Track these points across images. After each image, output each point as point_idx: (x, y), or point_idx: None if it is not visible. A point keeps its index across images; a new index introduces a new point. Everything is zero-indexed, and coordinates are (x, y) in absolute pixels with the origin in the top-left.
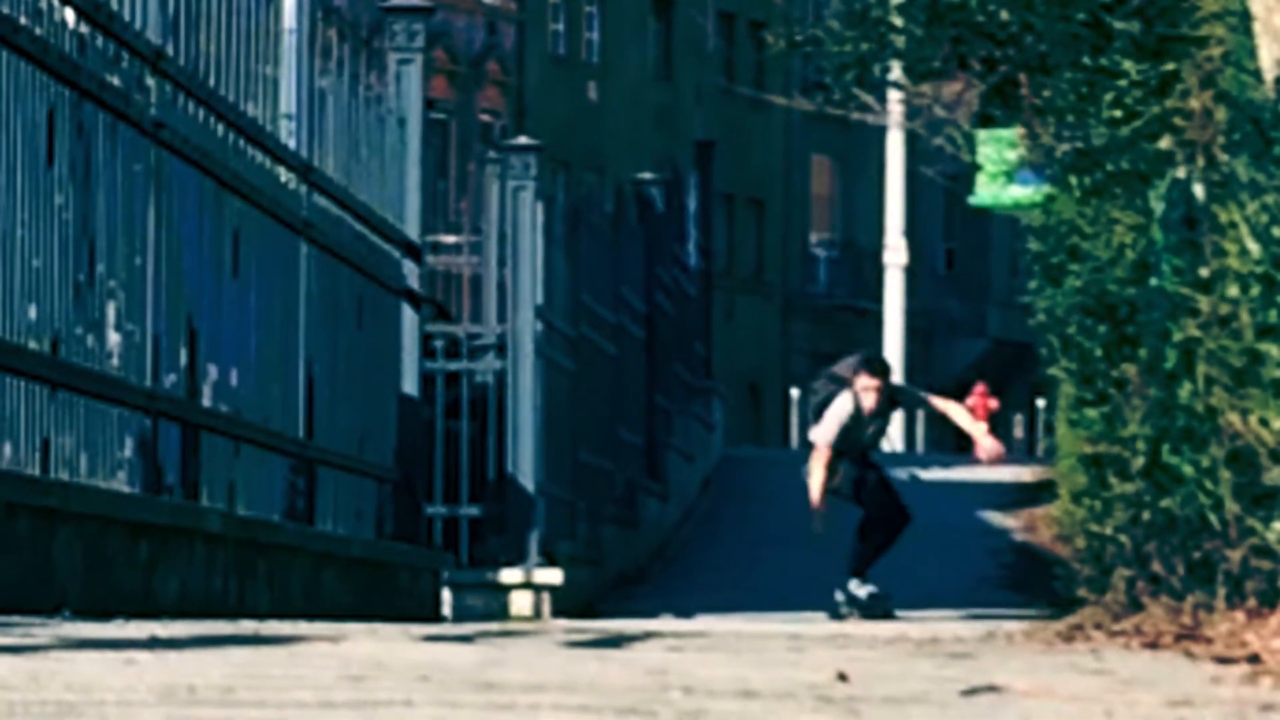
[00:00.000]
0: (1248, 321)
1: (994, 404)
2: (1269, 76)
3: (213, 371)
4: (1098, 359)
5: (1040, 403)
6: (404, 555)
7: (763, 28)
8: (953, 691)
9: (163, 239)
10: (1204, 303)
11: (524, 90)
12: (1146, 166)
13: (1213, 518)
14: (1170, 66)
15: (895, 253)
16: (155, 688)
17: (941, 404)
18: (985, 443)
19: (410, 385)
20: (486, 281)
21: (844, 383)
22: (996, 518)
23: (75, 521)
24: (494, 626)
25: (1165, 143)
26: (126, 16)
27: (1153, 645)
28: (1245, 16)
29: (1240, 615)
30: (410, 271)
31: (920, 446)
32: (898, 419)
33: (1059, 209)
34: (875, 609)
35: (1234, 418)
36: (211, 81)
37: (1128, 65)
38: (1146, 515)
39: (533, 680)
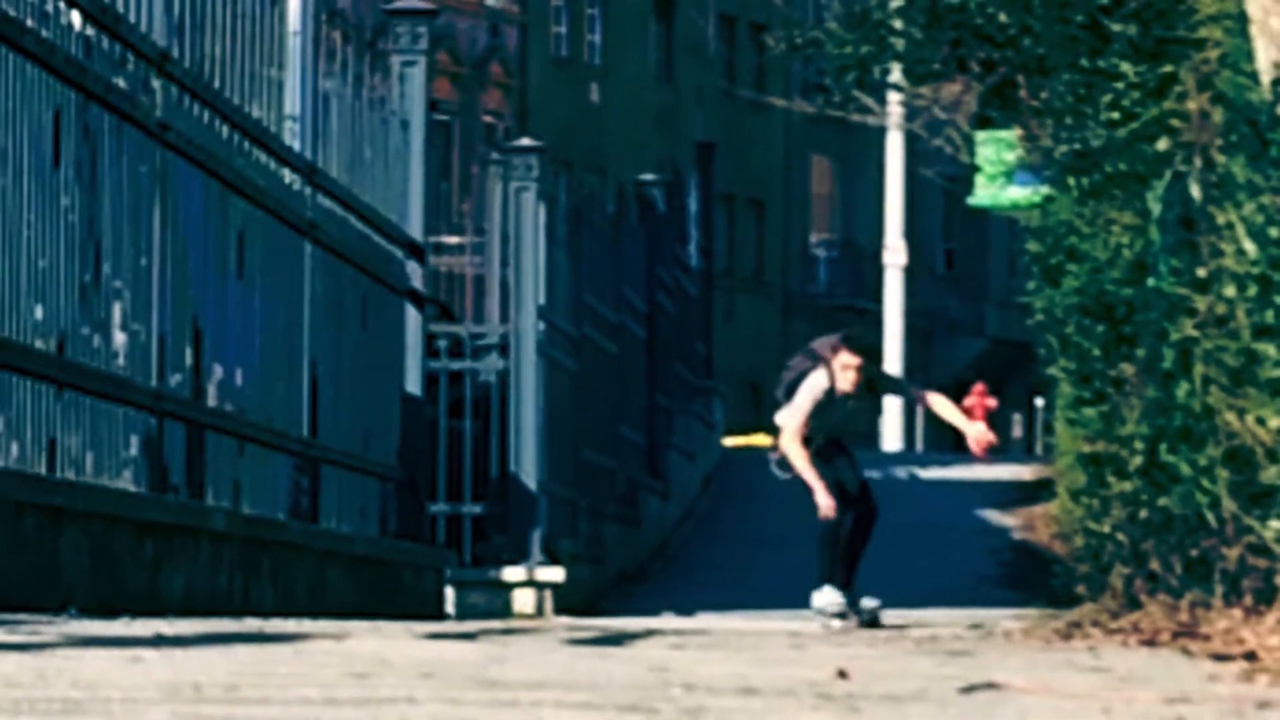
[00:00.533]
0: (1244, 321)
1: (992, 403)
2: (1265, 78)
3: (218, 371)
4: (1096, 358)
5: (1039, 402)
6: (407, 553)
7: (763, 30)
8: (951, 689)
9: (168, 240)
10: (1201, 303)
11: (526, 92)
12: (1144, 168)
13: (1210, 516)
14: (1168, 69)
15: (894, 253)
16: (161, 685)
17: (925, 396)
18: (973, 431)
19: (414, 384)
20: (489, 281)
21: (821, 360)
22: (995, 516)
23: (81, 520)
24: (496, 624)
25: (1163, 144)
26: (132, 19)
27: (1150, 643)
28: (1242, 19)
29: (1237, 613)
30: (414, 272)
31: (920, 445)
32: (895, 416)
33: (1057, 210)
34: (861, 618)
35: (1231, 417)
36: (216, 83)
37: (1125, 67)
38: (1144, 513)
39: (535, 677)
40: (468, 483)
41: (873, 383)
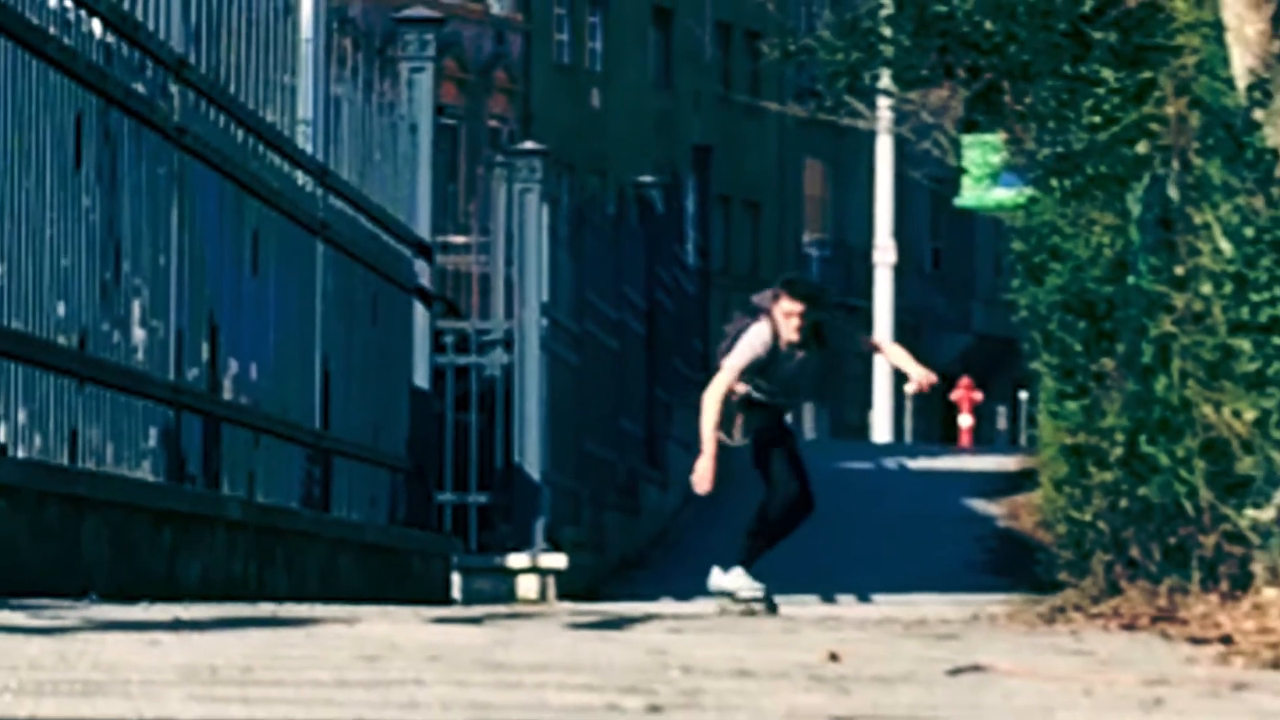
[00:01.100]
0: (1221, 318)
1: (978, 396)
2: (1241, 84)
3: (233, 365)
4: (1077, 353)
5: (1023, 395)
6: (415, 541)
7: (758, 38)
8: (939, 671)
9: (185, 239)
10: (1179, 300)
11: (530, 97)
12: (1124, 170)
13: (1187, 505)
14: (1147, 74)
15: (884, 252)
16: (178, 667)
17: (875, 342)
18: (916, 373)
19: (421, 379)
20: (494, 280)
21: (762, 313)
22: (981, 505)
23: (102, 509)
24: (501, 609)
25: (1142, 147)
26: (151, 27)
27: (1130, 627)
28: (1218, 26)
29: (1214, 598)
30: (421, 270)
31: (908, 437)
32: (885, 410)
33: (1040, 210)
34: (754, 606)
35: (1208, 410)
36: (232, 89)
37: (1106, 73)
38: (1124, 503)
39: (539, 660)
40: (473, 473)
41: (821, 331)
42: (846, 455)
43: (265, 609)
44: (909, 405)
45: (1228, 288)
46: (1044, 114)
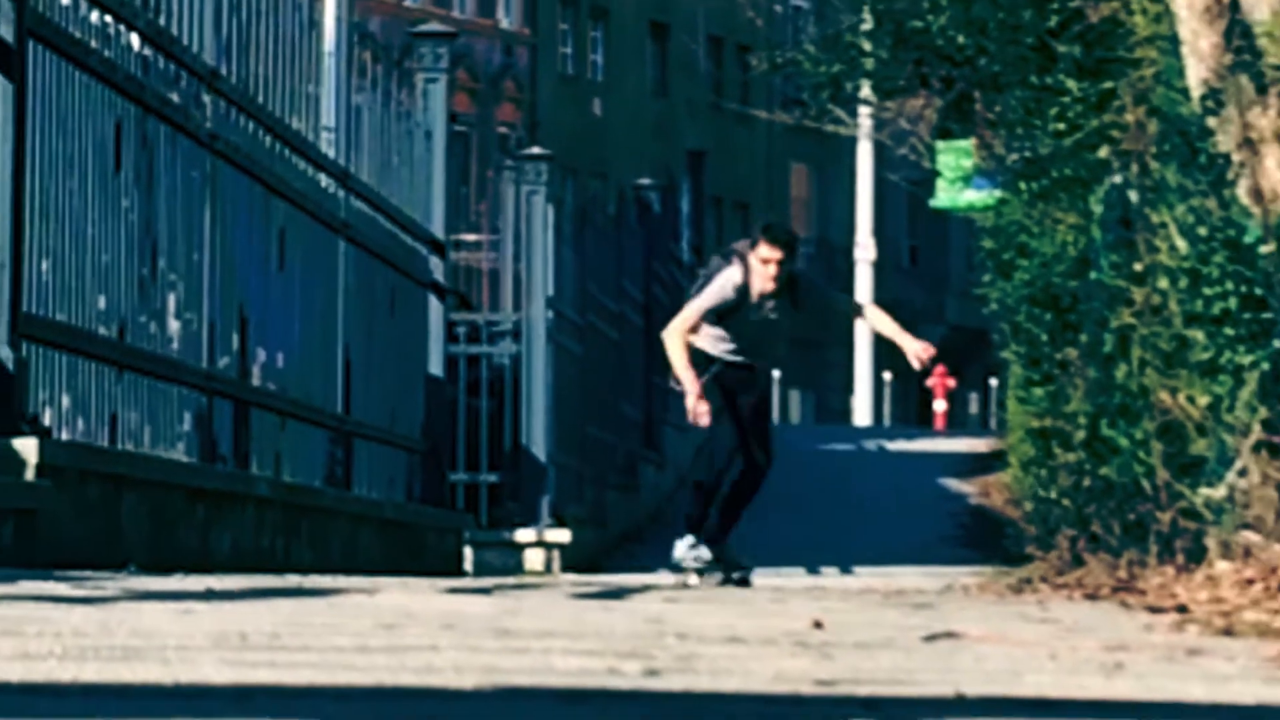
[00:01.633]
0: (1176, 310)
1: (952, 383)
2: (1195, 94)
3: (261, 354)
4: (1043, 343)
5: (993, 382)
6: (430, 517)
7: (748, 50)
8: (915, 638)
9: (217, 237)
10: (1138, 294)
11: (536, 105)
12: (1087, 173)
13: (1145, 484)
14: (1108, 85)
15: (864, 249)
16: (210, 634)
17: (862, 305)
18: (912, 346)
19: (436, 366)
20: (503, 275)
21: (737, 256)
22: (954, 484)
23: (140, 487)
24: (510, 580)
25: (1103, 152)
26: (185, 40)
27: (1092, 596)
28: (1174, 41)
29: (1170, 570)
30: (436, 266)
31: (887, 421)
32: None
33: (1009, 211)
34: (719, 575)
35: (1164, 395)
36: (260, 98)
37: (1070, 84)
38: (1087, 482)
39: (544, 628)
40: (484, 454)
41: (796, 285)
42: (829, 438)
43: (291, 580)
44: (887, 391)
45: (1183, 282)
46: (1012, 121)
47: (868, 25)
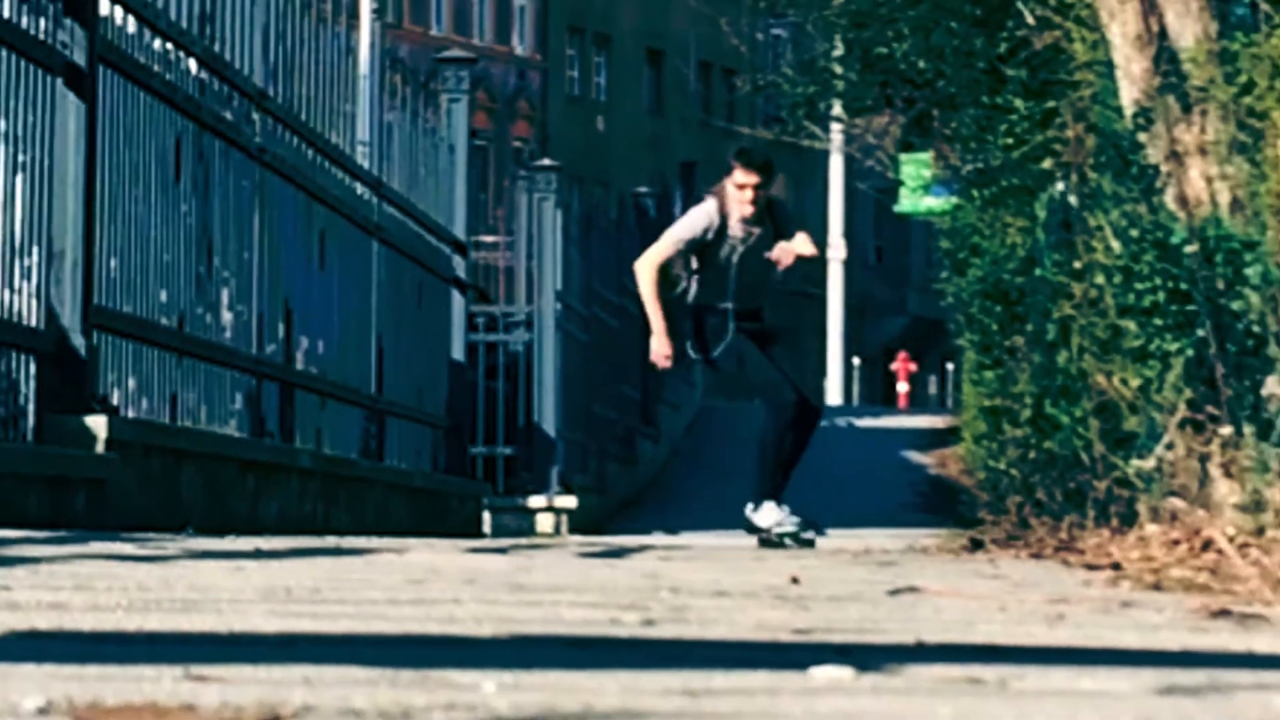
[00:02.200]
0: (1111, 303)
1: (913, 367)
2: (1128, 112)
3: (304, 342)
4: (994, 332)
5: (950, 366)
6: (453, 485)
7: (733, 74)
8: (881, 591)
9: (265, 239)
10: (1077, 289)
11: (546, 123)
12: (1032, 182)
13: (1084, 456)
14: (1051, 104)
15: (836, 249)
16: (259, 588)
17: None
18: (800, 250)
19: (458, 353)
20: (517, 271)
21: (712, 195)
22: (915, 455)
23: (197, 459)
24: (523, 541)
25: (1047, 164)
26: (237, 65)
27: (1037, 556)
28: (1109, 65)
29: (1106, 532)
30: (458, 264)
31: (856, 401)
32: (836, 377)
33: (964, 215)
34: (789, 539)
35: (1100, 378)
36: (303, 116)
37: (1018, 103)
38: (1032, 454)
39: (554, 583)
40: (500, 430)
41: (775, 212)
42: None
43: (330, 541)
44: (856, 374)
45: (1117, 278)
46: (966, 136)
47: (839, 52)
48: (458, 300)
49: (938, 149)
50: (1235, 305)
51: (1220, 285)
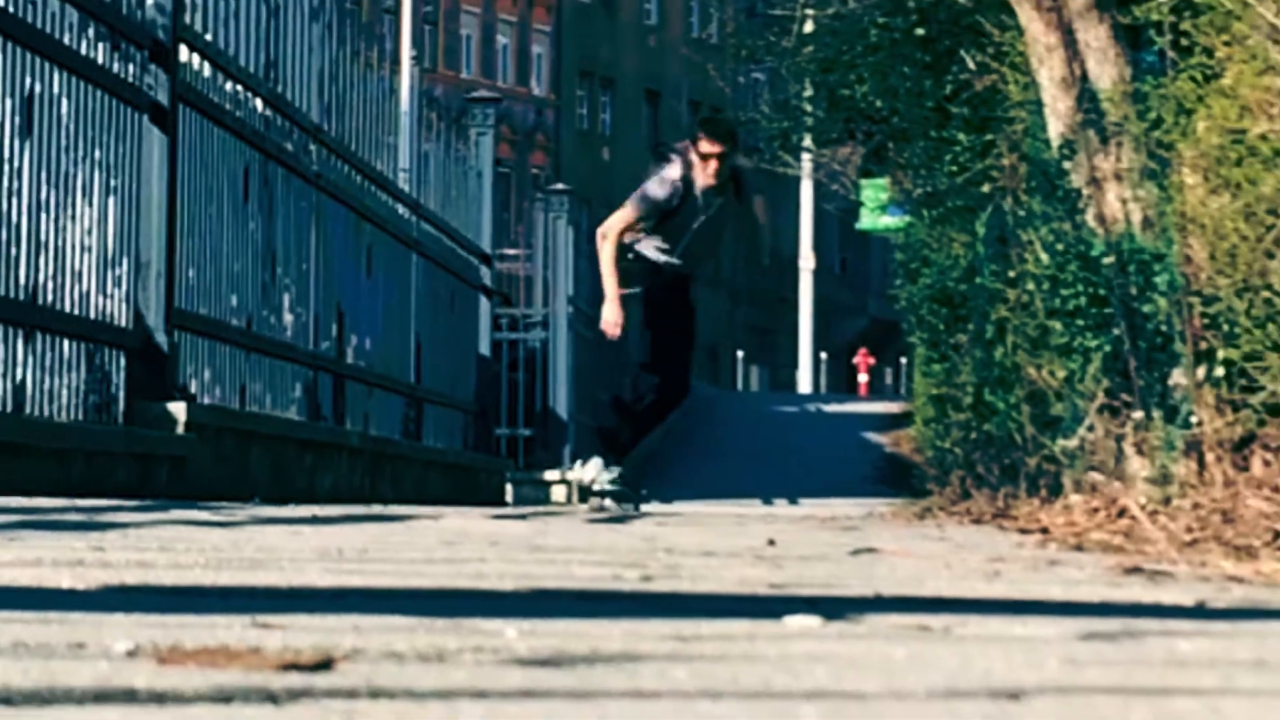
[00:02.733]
0: (1040, 306)
1: (872, 361)
2: (1054, 143)
3: (353, 339)
4: (941, 331)
5: (903, 360)
6: (481, 462)
7: (719, 111)
8: (844, 552)
9: (320, 252)
10: (1011, 294)
11: (560, 153)
12: (973, 203)
13: (1017, 437)
14: (989, 137)
15: (806, 260)
16: (315, 549)
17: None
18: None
19: (485, 348)
20: (535, 279)
21: (677, 154)
22: (873, 436)
23: (263, 440)
24: (540, 509)
25: (986, 188)
26: (297, 103)
27: (977, 521)
28: (1039, 104)
29: (1035, 502)
30: (484, 273)
31: (823, 389)
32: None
33: (915, 231)
34: (605, 502)
35: (1031, 370)
36: (353, 146)
37: (961, 136)
38: (973, 435)
39: (566, 544)
40: (521, 414)
41: (740, 180)
42: (779, 402)
43: (375, 509)
44: (823, 366)
45: (1045, 285)
46: (917, 164)
47: (809, 93)
48: (484, 304)
49: (893, 175)
50: (1146, 308)
51: (1133, 291)
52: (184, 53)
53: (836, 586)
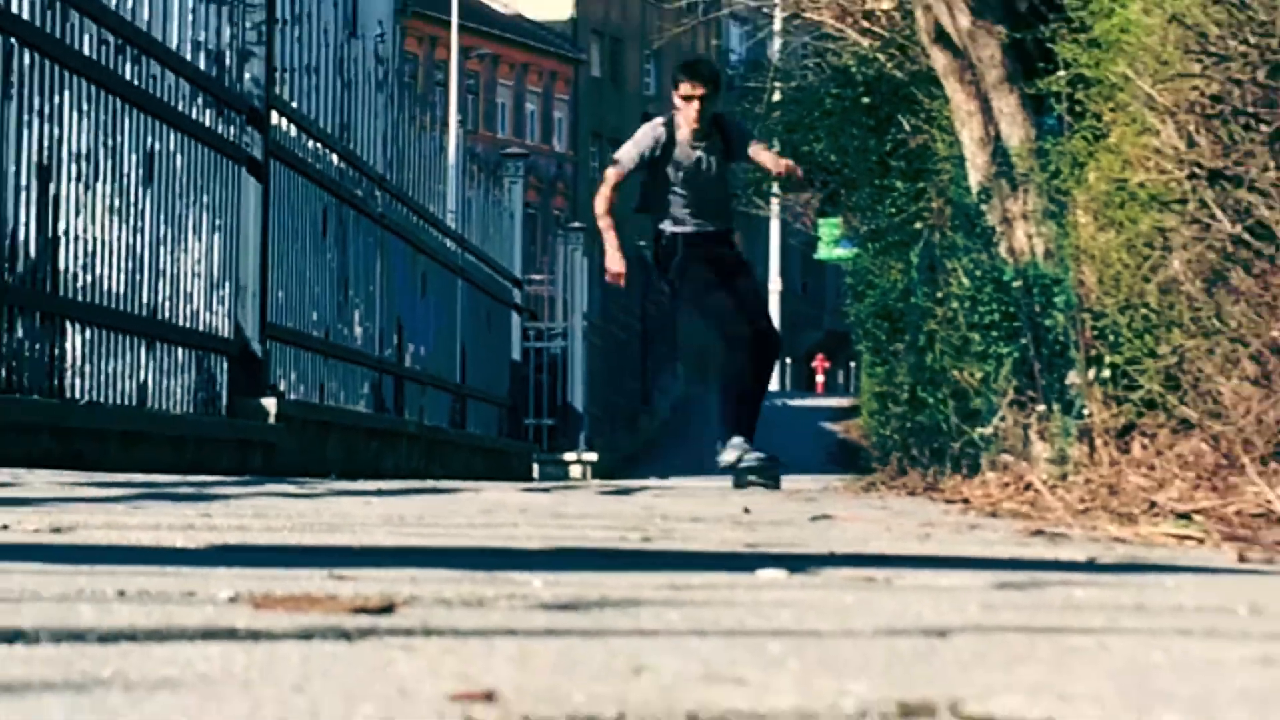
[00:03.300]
0: (962, 321)
1: (828, 364)
2: (974, 190)
3: (411, 348)
4: (883, 341)
5: (852, 364)
6: (513, 446)
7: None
8: (806, 518)
9: (384, 277)
10: (939, 311)
11: (576, 197)
12: (908, 238)
13: (944, 426)
14: (921, 185)
15: (774, 283)
16: (380, 516)
17: (765, 156)
18: (777, 166)
19: (516, 355)
20: (556, 299)
21: (660, 116)
22: (828, 425)
23: (338, 429)
24: (561, 484)
25: (918, 225)
26: (365, 158)
27: (912, 494)
28: (962, 159)
29: (958, 478)
30: (516, 294)
31: (789, 387)
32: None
33: (861, 260)
34: (756, 475)
35: (956, 372)
36: (411, 192)
37: (898, 184)
38: (908, 424)
39: (582, 512)
40: (545, 408)
41: (725, 128)
42: None
43: (428, 484)
44: (789, 369)
45: (966, 304)
46: (863, 207)
47: (776, 149)
48: (515, 319)
49: (844, 215)
50: (1047, 322)
51: (1037, 309)
52: (275, 117)
53: (799, 546)
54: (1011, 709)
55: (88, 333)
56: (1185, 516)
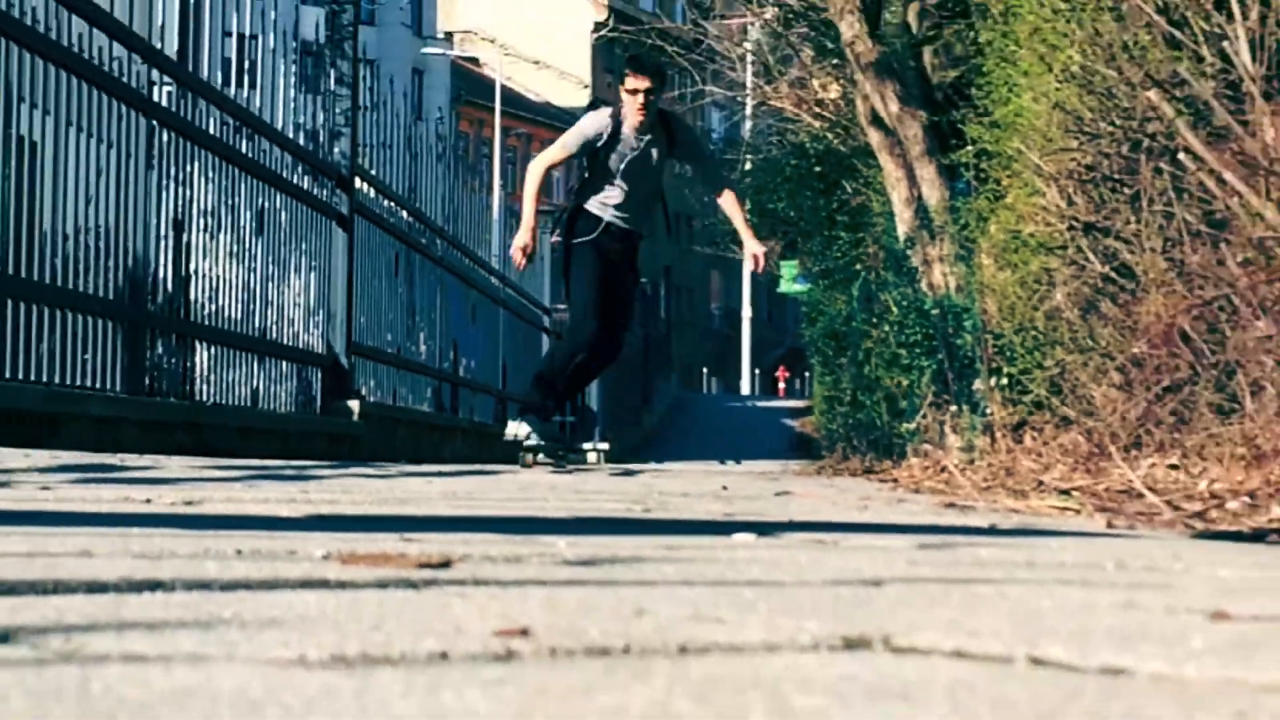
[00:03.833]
0: (894, 341)
1: (788, 374)
2: (901, 239)
3: (464, 362)
4: (831, 356)
5: (808, 374)
6: None
7: (692, 218)
8: (771, 494)
9: (442, 307)
10: (875, 333)
11: None
12: (851, 276)
13: (878, 422)
14: (861, 235)
15: (746, 311)
16: (441, 492)
17: (725, 192)
18: (752, 247)
19: None
20: None
21: (611, 106)
22: (789, 421)
23: (407, 424)
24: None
25: (858, 267)
26: (429, 213)
27: (853, 475)
28: (892, 214)
29: (889, 463)
30: (546, 320)
31: (758, 391)
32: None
33: (814, 294)
34: (528, 457)
35: (888, 380)
36: (463, 240)
37: (843, 235)
38: (850, 421)
39: (598, 489)
40: (568, 407)
41: (670, 126)
42: (730, 401)
43: (477, 468)
44: (757, 378)
45: (895, 327)
46: (815, 252)
47: (748, 207)
48: (545, 340)
49: (800, 259)
50: (958, 342)
51: (950, 331)
52: (358, 182)
53: (765, 515)
54: (931, 642)
55: (212, 350)
56: (1065, 493)
